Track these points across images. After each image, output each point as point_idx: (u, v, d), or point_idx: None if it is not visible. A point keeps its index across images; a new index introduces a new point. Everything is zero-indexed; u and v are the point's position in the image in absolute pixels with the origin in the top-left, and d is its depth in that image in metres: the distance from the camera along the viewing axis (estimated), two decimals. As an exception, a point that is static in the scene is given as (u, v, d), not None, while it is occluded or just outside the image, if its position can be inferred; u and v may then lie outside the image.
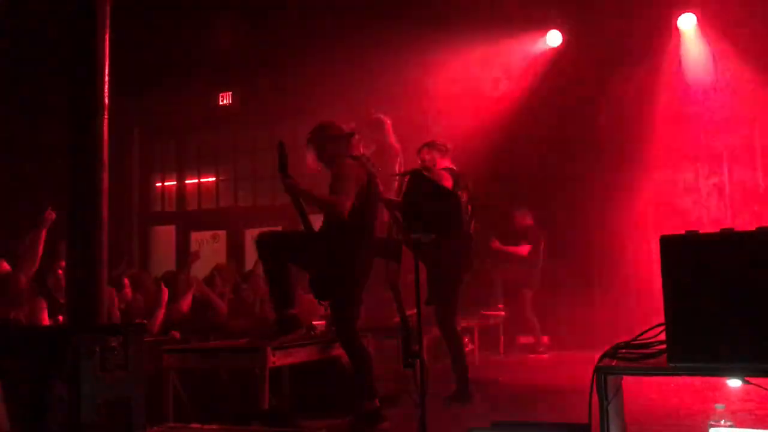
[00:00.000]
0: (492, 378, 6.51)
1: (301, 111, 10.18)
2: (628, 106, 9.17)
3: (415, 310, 3.62)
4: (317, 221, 4.75)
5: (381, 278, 5.11)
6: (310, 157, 4.86)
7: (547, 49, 9.80)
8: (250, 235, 11.09)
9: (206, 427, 3.50)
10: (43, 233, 5.69)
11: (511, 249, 8.87)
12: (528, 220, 9.05)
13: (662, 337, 2.40)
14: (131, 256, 8.89)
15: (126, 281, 6.43)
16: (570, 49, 9.63)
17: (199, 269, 9.52)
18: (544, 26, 9.73)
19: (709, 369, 2.29)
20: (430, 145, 5.93)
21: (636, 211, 8.96)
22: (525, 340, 8.95)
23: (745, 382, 2.29)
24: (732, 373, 2.31)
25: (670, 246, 2.34)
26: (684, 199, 9.19)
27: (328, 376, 5.19)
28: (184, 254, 11.15)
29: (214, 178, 12.88)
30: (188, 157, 12.89)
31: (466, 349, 6.17)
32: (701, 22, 9.06)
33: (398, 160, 6.71)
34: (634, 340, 2.58)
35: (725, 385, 2.66)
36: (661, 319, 2.35)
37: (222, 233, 12.39)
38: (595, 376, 2.36)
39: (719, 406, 2.48)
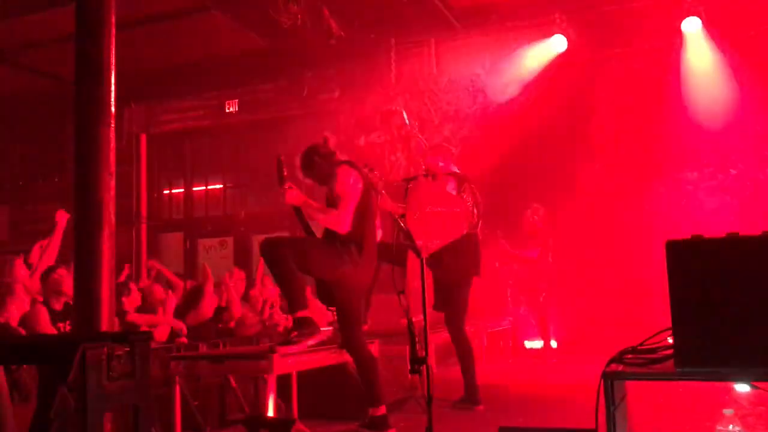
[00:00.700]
0: (500, 383, 6.49)
1: (308, 116, 10.22)
2: (635, 108, 9.16)
3: (422, 316, 3.62)
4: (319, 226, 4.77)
5: (387, 283, 5.11)
6: (308, 181, 4.88)
7: (553, 53, 9.81)
8: (258, 241, 11.12)
9: (213, 434, 3.50)
10: (58, 236, 5.78)
11: (520, 252, 8.85)
12: (536, 223, 9.02)
13: (670, 342, 2.39)
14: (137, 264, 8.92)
15: (133, 286, 6.45)
16: (575, 54, 9.64)
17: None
18: (550, 31, 9.74)
19: (717, 374, 2.28)
20: (436, 149, 5.94)
21: (644, 214, 8.93)
22: (532, 344, 8.93)
23: (753, 386, 2.28)
24: (740, 378, 2.29)
25: (676, 250, 2.33)
26: (692, 202, 9.16)
27: (335, 383, 5.18)
28: (192, 261, 11.19)
29: (221, 185, 12.92)
30: (195, 164, 12.95)
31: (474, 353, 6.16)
32: (706, 25, 9.05)
33: (416, 143, 6.47)
34: (641, 344, 2.56)
35: (733, 389, 2.65)
36: (668, 323, 2.34)
37: (229, 240, 12.42)
38: (601, 382, 2.35)
39: (727, 411, 2.47)
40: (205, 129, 12.34)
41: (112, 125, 4.27)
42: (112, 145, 4.24)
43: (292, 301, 4.58)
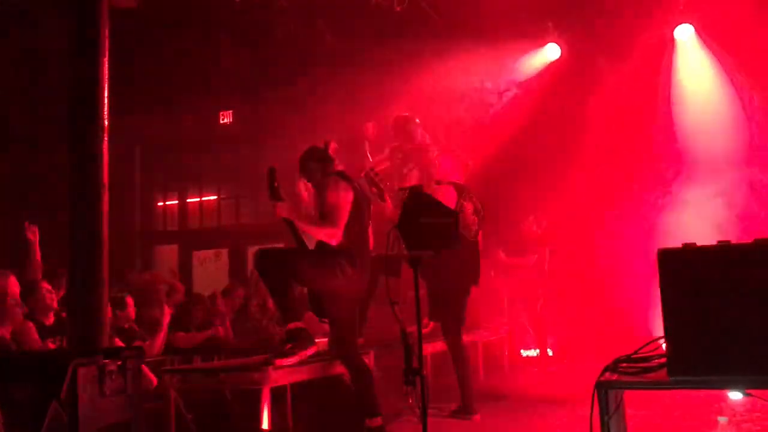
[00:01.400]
0: (496, 392, 6.48)
1: (303, 127, 10.22)
2: (628, 116, 9.18)
3: (416, 327, 3.61)
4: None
5: (382, 294, 5.11)
6: (306, 190, 4.88)
7: (546, 62, 9.85)
8: (252, 252, 11.11)
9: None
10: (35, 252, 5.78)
11: (517, 261, 8.84)
12: (533, 232, 9.03)
13: (663, 350, 2.39)
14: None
15: (129, 300, 6.42)
16: (568, 62, 9.68)
17: (203, 288, 9.52)
18: (543, 40, 9.78)
19: (710, 382, 2.28)
20: (445, 156, 5.97)
21: (638, 222, 8.94)
22: (528, 353, 8.91)
23: (746, 394, 2.28)
24: (733, 386, 2.30)
25: (668, 259, 2.34)
26: (685, 210, 9.17)
27: (330, 394, 5.17)
28: (187, 273, 11.15)
29: (215, 197, 12.91)
30: (189, 175, 12.94)
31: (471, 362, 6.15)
32: (698, 32, 9.10)
33: (430, 155, 6.33)
34: (635, 353, 2.57)
35: (728, 397, 2.65)
36: (662, 331, 2.34)
37: (224, 251, 12.40)
38: (596, 392, 2.35)
39: (722, 419, 2.47)
40: (200, 140, 12.33)
41: (106, 137, 4.27)
42: (106, 157, 4.24)
43: (286, 312, 4.57)
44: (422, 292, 4.38)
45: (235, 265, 12.07)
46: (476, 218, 5.74)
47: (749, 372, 2.19)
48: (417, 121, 6.85)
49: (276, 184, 4.59)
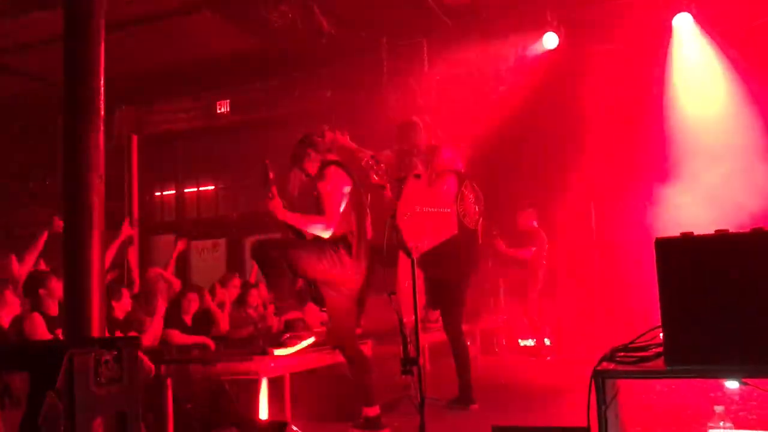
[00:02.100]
0: (493, 382, 6.50)
1: (300, 117, 10.19)
2: (626, 106, 9.17)
3: (413, 316, 3.61)
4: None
5: (379, 284, 5.11)
6: (298, 181, 4.85)
7: (544, 51, 9.82)
8: (250, 243, 11.10)
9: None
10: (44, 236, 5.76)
11: (515, 251, 8.85)
12: (532, 222, 9.03)
13: (660, 339, 2.39)
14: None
15: (125, 291, 6.41)
16: (566, 51, 9.65)
17: (201, 278, 9.52)
18: (541, 29, 9.75)
19: (707, 371, 2.28)
20: (447, 147, 5.96)
21: (636, 211, 8.94)
22: (526, 342, 8.93)
23: (743, 383, 2.29)
24: (729, 375, 2.30)
25: (666, 248, 2.34)
26: (683, 200, 9.17)
27: (328, 384, 5.18)
28: (184, 264, 11.14)
29: (213, 187, 12.89)
30: (187, 165, 12.91)
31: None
32: (697, 21, 9.08)
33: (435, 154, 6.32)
34: (632, 342, 2.57)
35: (724, 386, 2.65)
36: (659, 321, 2.34)
37: (222, 242, 12.39)
38: (593, 381, 2.35)
39: (718, 408, 2.47)
40: (197, 130, 12.29)
41: (102, 127, 4.24)
42: (102, 147, 4.21)
43: (284, 303, 4.57)
44: (419, 282, 4.38)
45: (232, 256, 12.06)
46: (477, 207, 5.73)
47: (746, 361, 2.19)
48: (420, 125, 6.82)
49: (270, 178, 4.58)
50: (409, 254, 3.56)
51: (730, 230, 2.31)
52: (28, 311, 4.99)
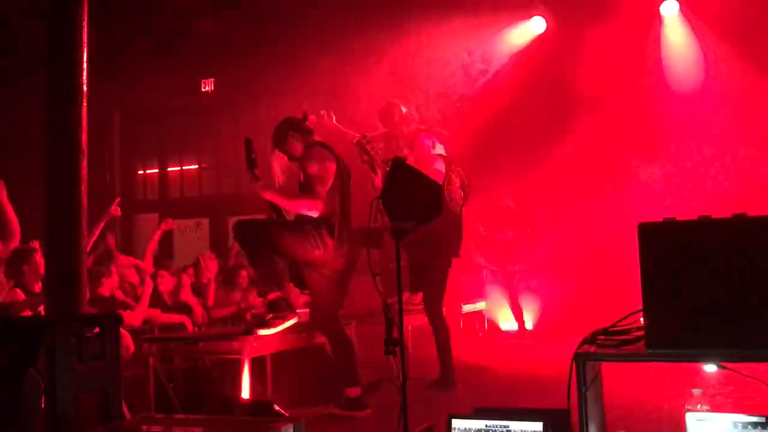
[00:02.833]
0: (475, 364, 6.54)
1: (285, 97, 10.12)
2: (613, 90, 9.20)
3: (396, 298, 3.62)
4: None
5: (363, 266, 5.11)
6: (278, 164, 4.82)
7: (532, 35, 9.81)
8: (233, 223, 11.05)
9: (187, 416, 3.49)
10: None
11: (495, 235, 8.89)
12: (510, 207, 9.07)
13: (641, 323, 2.41)
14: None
15: (114, 269, 6.38)
16: (553, 36, 9.65)
17: (184, 258, 9.47)
18: (528, 13, 9.74)
19: (687, 355, 2.31)
20: (429, 132, 5.96)
21: (620, 196, 9.00)
22: (508, 326, 9.00)
23: (721, 367, 2.32)
24: (709, 359, 2.33)
25: (648, 233, 2.36)
26: (665, 185, 9.24)
27: (310, 364, 5.19)
28: (167, 243, 11.07)
29: (196, 166, 12.80)
30: (170, 144, 12.80)
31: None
32: (683, 9, 9.11)
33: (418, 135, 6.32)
34: (613, 326, 2.59)
35: (702, 369, 2.69)
36: (640, 305, 2.36)
37: (205, 221, 12.33)
38: (573, 363, 2.38)
39: (696, 391, 2.50)
40: (181, 108, 12.18)
41: (84, 103, 4.20)
42: (84, 123, 4.17)
43: (267, 282, 4.57)
44: (403, 263, 4.39)
45: (215, 235, 12.01)
46: (463, 192, 5.75)
47: (725, 345, 2.22)
48: (403, 108, 6.79)
49: (253, 156, 4.56)
50: (394, 236, 3.56)
51: (712, 216, 2.34)
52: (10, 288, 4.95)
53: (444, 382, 5.44)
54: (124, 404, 2.90)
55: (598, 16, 9.05)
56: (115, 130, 12.52)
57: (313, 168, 4.56)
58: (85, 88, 4.19)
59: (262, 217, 5.60)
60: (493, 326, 8.97)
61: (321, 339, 4.90)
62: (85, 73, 4.19)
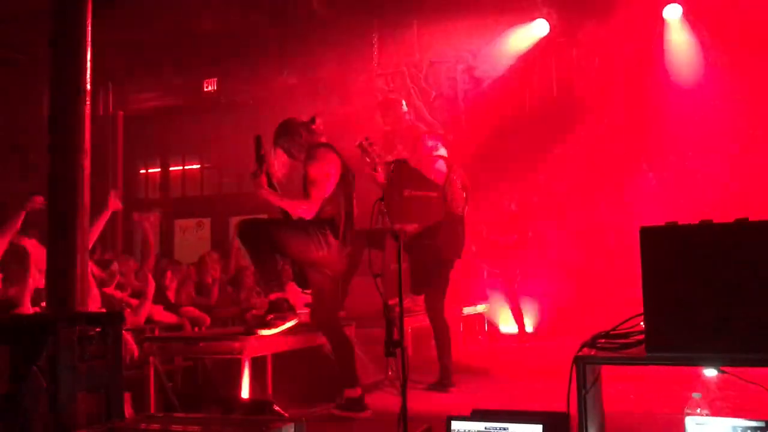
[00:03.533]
0: (475, 367, 6.54)
1: (287, 97, 10.14)
2: (615, 94, 9.20)
3: (397, 299, 3.62)
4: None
5: (364, 267, 5.12)
6: (278, 162, 4.82)
7: (535, 38, 9.81)
8: (235, 222, 11.06)
9: (187, 415, 3.49)
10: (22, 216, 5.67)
11: (497, 238, 8.90)
12: (512, 210, 9.08)
13: (642, 327, 2.42)
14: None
15: (115, 267, 6.39)
16: (556, 38, 9.65)
17: (185, 257, 9.47)
18: (531, 15, 9.74)
19: (687, 359, 2.31)
20: (431, 135, 5.98)
21: (622, 200, 9.00)
22: (508, 329, 9.00)
23: (721, 371, 2.32)
24: (709, 363, 2.33)
25: (650, 237, 2.36)
26: (667, 189, 9.24)
27: (310, 365, 5.19)
28: (168, 242, 11.10)
29: (198, 165, 12.81)
30: (173, 143, 12.81)
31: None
32: (686, 13, 9.11)
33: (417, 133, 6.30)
34: (614, 329, 2.59)
35: (702, 374, 2.70)
36: (641, 309, 2.36)
37: (207, 221, 12.34)
38: (573, 366, 2.38)
39: (696, 395, 2.51)
40: (183, 108, 12.18)
41: (88, 103, 4.21)
42: (87, 123, 4.19)
43: (268, 282, 4.57)
44: (405, 265, 4.40)
45: (217, 235, 12.02)
46: (464, 193, 5.76)
47: (725, 350, 2.22)
48: (403, 102, 6.81)
49: (262, 152, 4.56)
50: (395, 238, 3.57)
51: (714, 220, 2.34)
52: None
53: (443, 383, 5.45)
54: (127, 402, 2.91)
55: (601, 19, 9.05)
56: (117, 130, 12.53)
57: (313, 170, 4.55)
58: (88, 87, 4.21)
59: (264, 216, 5.60)
60: (493, 329, 8.97)
61: (321, 340, 4.91)
62: (88, 72, 4.21)
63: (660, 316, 2.31)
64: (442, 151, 5.83)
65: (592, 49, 9.20)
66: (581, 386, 2.37)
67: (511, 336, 8.84)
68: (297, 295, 5.37)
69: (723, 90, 8.93)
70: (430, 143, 5.84)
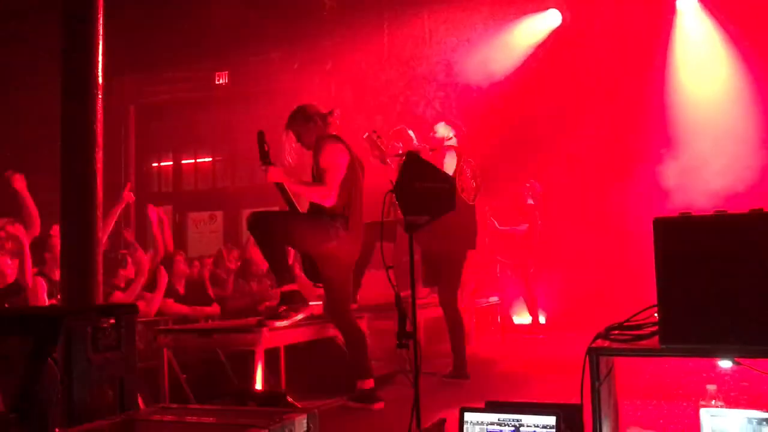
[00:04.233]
0: (488, 358, 6.54)
1: (299, 89, 10.14)
2: (629, 85, 9.13)
3: (410, 291, 3.62)
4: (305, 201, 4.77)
5: (377, 259, 5.12)
6: (289, 145, 4.82)
7: (547, 28, 9.76)
8: (247, 215, 11.08)
9: (201, 407, 3.51)
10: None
11: (509, 229, 8.87)
12: (526, 200, 9.04)
13: (655, 318, 2.40)
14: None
15: (130, 260, 6.43)
16: (569, 28, 9.59)
17: (198, 250, 9.52)
18: (544, 4, 9.69)
19: (701, 350, 2.30)
20: (447, 122, 5.96)
21: (633, 191, 8.95)
22: (521, 320, 8.99)
23: (736, 363, 2.30)
24: (723, 354, 2.31)
25: (664, 227, 2.34)
26: (681, 180, 9.17)
27: (323, 356, 5.20)
28: (181, 235, 11.14)
29: (210, 159, 12.85)
30: (185, 137, 12.85)
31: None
32: (701, 2, 9.04)
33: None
34: (627, 321, 2.58)
35: (717, 365, 2.68)
36: (655, 300, 2.35)
37: (219, 214, 12.38)
38: (587, 357, 2.37)
39: (711, 387, 2.49)
40: (195, 101, 12.22)
41: (100, 96, 4.23)
42: (100, 116, 4.21)
43: (280, 275, 4.58)
44: (417, 257, 4.40)
45: (229, 228, 12.06)
46: (474, 182, 5.74)
47: (740, 341, 2.20)
48: (410, 131, 6.77)
49: (266, 148, 4.56)
50: (407, 229, 3.56)
51: (729, 211, 2.32)
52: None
53: (457, 375, 5.45)
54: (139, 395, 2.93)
55: (614, 8, 8.98)
56: (130, 123, 12.58)
57: (325, 159, 4.57)
58: (100, 81, 4.22)
59: (275, 209, 5.61)
60: (507, 320, 8.96)
61: (334, 331, 4.91)
62: (101, 66, 4.22)
63: (674, 308, 2.29)
64: (453, 142, 5.81)
65: (604, 39, 9.12)
66: (595, 378, 2.36)
67: (524, 327, 8.83)
68: (309, 287, 5.38)
69: (739, 81, 8.85)
70: (442, 132, 5.82)
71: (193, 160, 12.93)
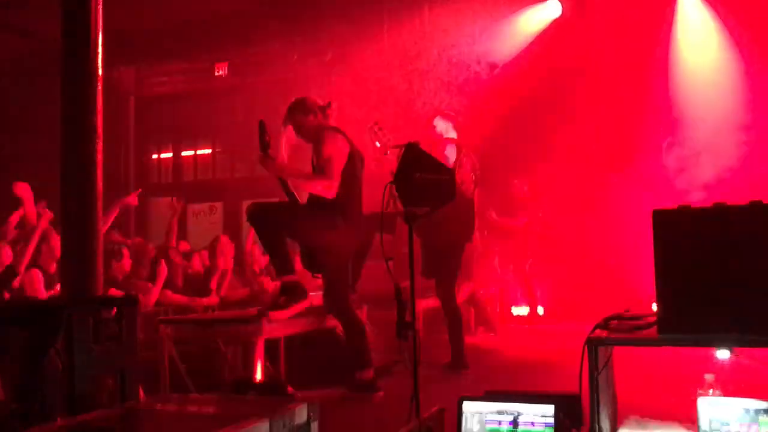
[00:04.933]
0: (486, 348, 6.57)
1: (298, 80, 10.13)
2: (627, 77, 9.12)
3: (409, 282, 3.63)
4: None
5: (376, 250, 5.13)
6: (286, 137, 4.83)
7: (547, 19, 9.74)
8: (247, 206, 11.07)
9: (201, 396, 3.53)
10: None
11: (507, 221, 8.88)
12: (525, 191, 9.05)
13: (654, 309, 2.42)
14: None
15: (125, 252, 6.43)
16: (569, 20, 9.57)
17: (197, 241, 9.53)
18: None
19: (699, 340, 2.32)
20: (443, 116, 5.96)
21: (633, 182, 8.95)
22: (519, 311, 9.01)
23: (733, 352, 2.32)
24: (720, 344, 2.33)
25: (663, 219, 2.36)
26: (680, 172, 9.18)
27: (323, 347, 5.22)
28: (181, 226, 11.12)
29: (210, 150, 12.83)
30: (184, 128, 12.83)
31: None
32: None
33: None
34: (626, 311, 2.60)
35: (714, 355, 2.70)
36: (654, 291, 2.36)
37: (219, 205, 12.38)
38: (585, 347, 2.38)
39: (708, 376, 2.51)
40: (195, 92, 12.19)
41: (100, 87, 4.22)
42: (100, 107, 4.20)
43: (280, 265, 4.60)
44: (416, 248, 4.40)
45: (229, 219, 12.06)
46: (474, 175, 5.75)
47: (737, 331, 2.22)
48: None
49: (267, 138, 4.56)
50: (406, 220, 3.57)
51: (727, 203, 2.33)
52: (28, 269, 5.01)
53: (455, 365, 5.48)
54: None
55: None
56: (129, 114, 12.56)
57: (327, 150, 4.57)
58: (100, 72, 4.22)
59: (275, 200, 5.61)
60: (505, 311, 8.98)
61: (334, 322, 4.93)
62: (100, 56, 4.22)
63: (672, 298, 2.31)
64: (453, 134, 5.82)
65: (605, 30, 9.10)
66: (593, 368, 2.38)
67: (522, 318, 8.85)
68: (309, 278, 5.40)
69: (739, 71, 8.84)
70: (441, 126, 5.83)
71: (192, 152, 12.91)
